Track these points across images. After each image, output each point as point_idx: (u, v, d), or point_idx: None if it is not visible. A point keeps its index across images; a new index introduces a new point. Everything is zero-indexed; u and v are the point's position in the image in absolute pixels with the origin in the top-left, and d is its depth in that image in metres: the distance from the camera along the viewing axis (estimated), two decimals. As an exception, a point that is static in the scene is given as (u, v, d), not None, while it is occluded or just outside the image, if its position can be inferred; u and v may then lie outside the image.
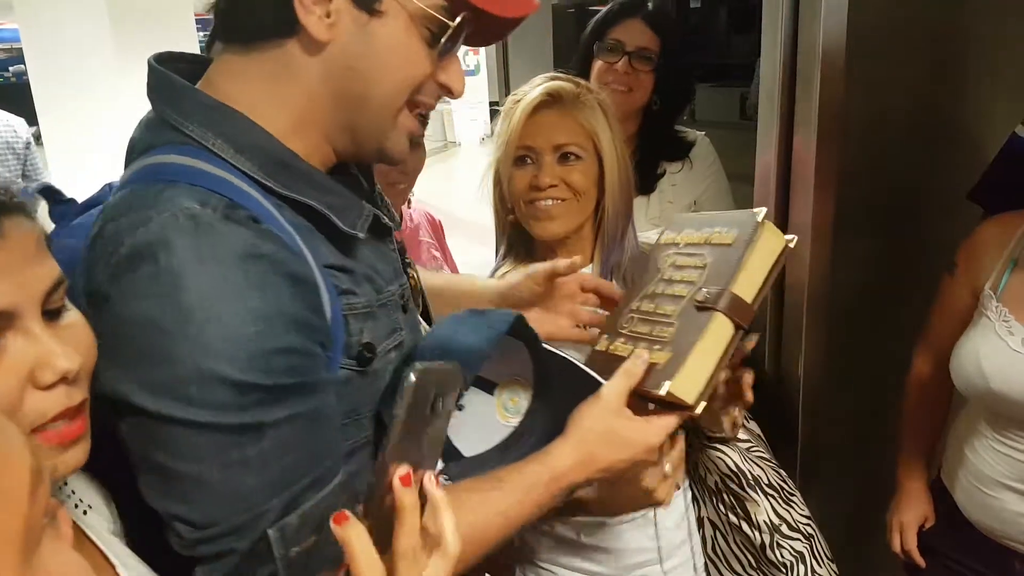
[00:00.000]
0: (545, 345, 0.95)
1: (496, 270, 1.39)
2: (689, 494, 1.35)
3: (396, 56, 0.78)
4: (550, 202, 1.23)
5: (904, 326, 1.45)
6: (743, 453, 1.30)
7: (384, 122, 0.81)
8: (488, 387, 0.96)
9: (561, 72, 1.30)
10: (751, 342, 0.95)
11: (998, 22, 1.48)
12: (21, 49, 6.95)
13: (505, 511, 0.83)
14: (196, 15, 7.24)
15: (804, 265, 1.48)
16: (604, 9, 1.84)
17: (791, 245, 0.91)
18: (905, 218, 1.53)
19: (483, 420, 0.93)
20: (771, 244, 0.90)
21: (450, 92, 0.85)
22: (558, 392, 0.94)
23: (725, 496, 1.29)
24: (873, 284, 1.54)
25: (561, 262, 1.13)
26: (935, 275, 1.37)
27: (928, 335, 1.42)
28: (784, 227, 1.51)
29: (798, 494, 1.31)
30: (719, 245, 0.93)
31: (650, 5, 1.83)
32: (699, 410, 0.87)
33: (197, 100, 0.77)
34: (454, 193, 7.80)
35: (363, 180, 0.94)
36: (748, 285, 0.89)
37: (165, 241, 0.66)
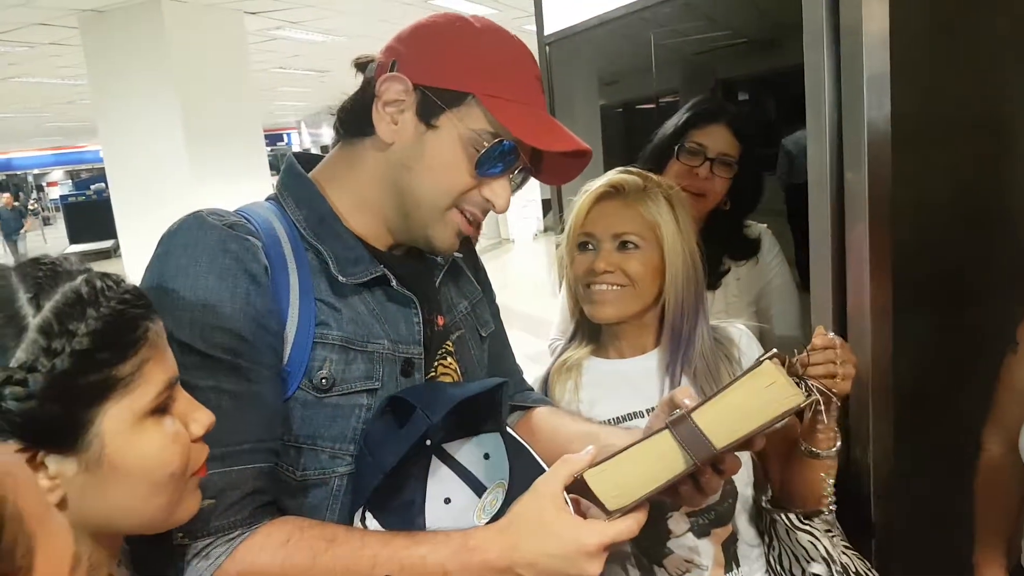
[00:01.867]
0: (508, 430, 0.96)
1: (563, 352, 1.42)
2: None
3: (440, 164, 0.95)
4: (604, 287, 1.28)
5: (972, 406, 1.43)
6: (832, 540, 1.27)
7: (430, 217, 0.97)
8: (480, 489, 0.97)
9: (634, 168, 1.35)
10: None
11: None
12: (103, 168, 7.41)
13: (401, 560, 0.81)
14: (265, 131, 7.68)
15: (867, 349, 1.47)
16: (686, 109, 1.82)
17: (800, 403, 0.79)
18: (964, 298, 1.52)
19: (461, 518, 0.92)
20: (774, 392, 0.79)
21: (493, 207, 0.99)
22: (519, 483, 0.92)
23: None
24: (937, 365, 1.52)
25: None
26: (999, 353, 1.35)
27: (995, 415, 1.39)
28: (843, 312, 1.52)
29: None
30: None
31: (734, 109, 1.81)
32: (614, 516, 0.82)
33: (294, 173, 1.01)
34: (509, 287, 7.91)
35: (437, 271, 1.09)
36: (719, 421, 0.81)
37: (172, 232, 0.89)
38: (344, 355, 0.93)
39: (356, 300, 0.97)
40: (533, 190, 13.76)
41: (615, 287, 1.27)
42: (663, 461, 0.82)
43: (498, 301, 1.31)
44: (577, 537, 0.80)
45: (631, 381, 1.33)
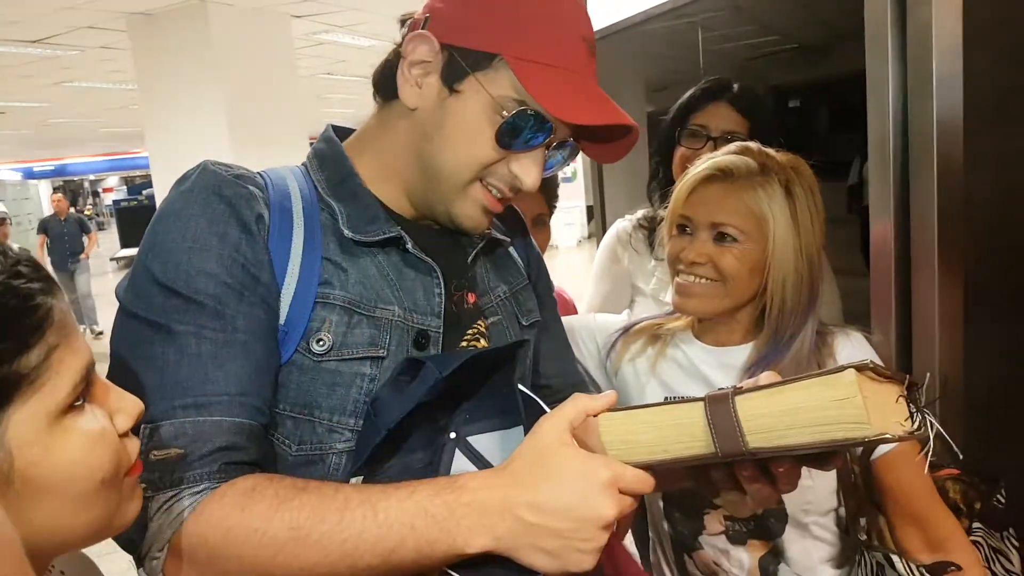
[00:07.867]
0: (520, 387, 0.86)
1: (659, 318, 1.35)
2: None
3: (461, 133, 0.88)
4: (692, 279, 1.17)
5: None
6: None
7: (452, 190, 0.91)
8: None
9: (756, 144, 1.21)
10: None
11: None
12: (154, 173, 7.45)
13: (375, 503, 0.72)
14: (310, 139, 7.73)
15: (934, 358, 1.35)
16: (687, 94, 1.76)
17: (867, 437, 0.62)
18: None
19: None
20: (842, 411, 0.63)
21: (520, 184, 0.90)
22: None
23: None
24: (1016, 375, 1.39)
25: None
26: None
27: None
28: (907, 315, 1.39)
29: None
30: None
31: (735, 87, 1.73)
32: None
33: (325, 138, 0.98)
34: (552, 295, 7.81)
35: (468, 248, 1.01)
36: (764, 417, 0.66)
37: (179, 179, 0.87)
38: (347, 318, 0.86)
39: (367, 261, 0.90)
40: (577, 196, 13.67)
41: (703, 280, 1.16)
42: (685, 435, 0.70)
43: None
44: (588, 468, 0.70)
45: (704, 370, 1.22)
